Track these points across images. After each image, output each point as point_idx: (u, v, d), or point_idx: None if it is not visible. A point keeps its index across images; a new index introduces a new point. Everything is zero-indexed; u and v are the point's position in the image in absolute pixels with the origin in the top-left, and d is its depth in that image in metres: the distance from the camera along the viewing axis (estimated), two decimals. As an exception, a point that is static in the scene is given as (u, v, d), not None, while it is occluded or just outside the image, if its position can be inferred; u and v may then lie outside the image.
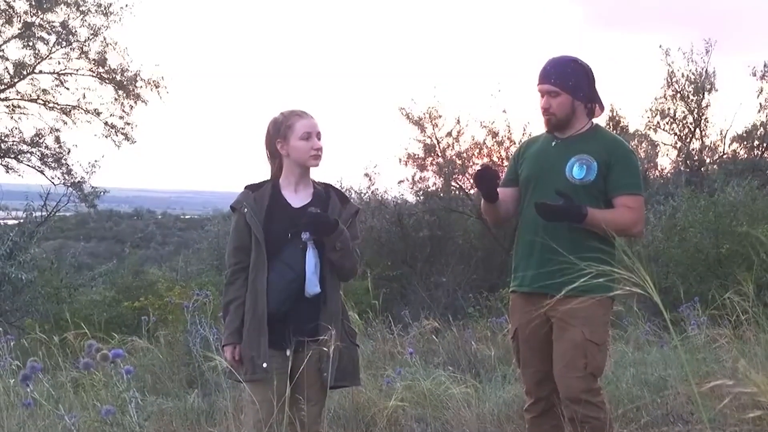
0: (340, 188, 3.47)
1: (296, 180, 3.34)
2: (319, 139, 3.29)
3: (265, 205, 3.28)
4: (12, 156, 16.39)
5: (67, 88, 16.61)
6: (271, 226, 3.25)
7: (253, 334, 3.20)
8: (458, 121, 15.70)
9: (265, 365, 3.15)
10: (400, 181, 16.07)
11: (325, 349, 3.02)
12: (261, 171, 3.47)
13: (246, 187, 3.38)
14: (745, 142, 16.51)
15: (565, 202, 3.18)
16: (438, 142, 15.73)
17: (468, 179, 15.34)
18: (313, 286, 3.21)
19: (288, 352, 3.20)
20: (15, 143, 16.47)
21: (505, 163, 15.12)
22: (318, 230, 3.18)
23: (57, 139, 16.53)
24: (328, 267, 3.25)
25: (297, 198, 3.33)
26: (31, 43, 15.94)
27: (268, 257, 3.22)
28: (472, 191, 14.89)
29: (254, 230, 3.24)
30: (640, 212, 3.30)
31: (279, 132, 3.30)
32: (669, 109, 16.30)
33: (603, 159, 3.27)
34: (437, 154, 15.80)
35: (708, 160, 16.52)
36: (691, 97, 16.02)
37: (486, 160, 15.72)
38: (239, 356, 3.23)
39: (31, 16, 15.73)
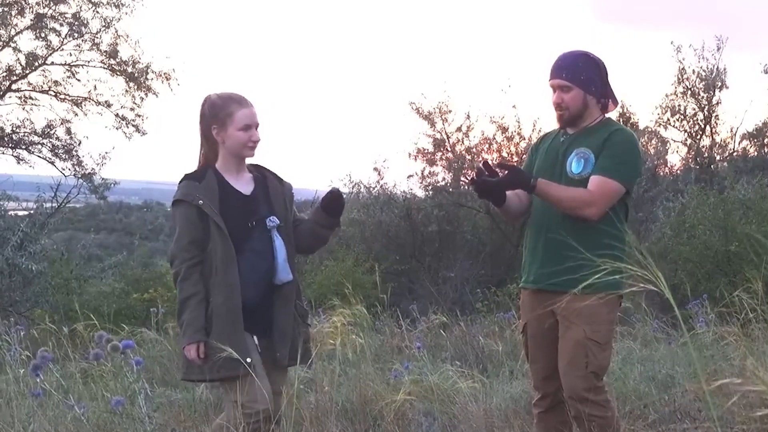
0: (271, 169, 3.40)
1: (236, 168, 3.25)
2: (257, 129, 3.21)
3: (216, 195, 3.16)
4: (23, 147, 16.46)
5: (79, 80, 16.69)
6: (229, 216, 3.14)
7: (228, 330, 3.07)
8: (468, 116, 15.68)
9: (249, 360, 3.04)
10: (410, 176, 16.05)
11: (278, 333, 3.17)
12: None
13: (187, 177, 3.21)
14: (755, 140, 16.47)
15: (509, 174, 3.13)
16: (448, 137, 15.70)
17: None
18: (286, 274, 3.20)
19: (255, 339, 3.20)
20: (26, 134, 16.54)
21: (515, 158, 15.09)
22: (339, 210, 3.31)
23: (68, 131, 16.63)
24: (291, 251, 3.28)
25: (242, 184, 3.26)
26: (43, 35, 15.98)
27: (235, 249, 3.12)
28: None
29: (216, 222, 3.10)
30: (599, 195, 3.12)
31: (217, 117, 3.18)
32: (679, 106, 16.26)
33: (600, 150, 3.19)
34: (447, 149, 15.78)
35: (718, 158, 16.46)
36: (702, 94, 15.97)
37: (495, 155, 15.68)
38: (205, 354, 3.09)
39: (44, 8, 15.77)
